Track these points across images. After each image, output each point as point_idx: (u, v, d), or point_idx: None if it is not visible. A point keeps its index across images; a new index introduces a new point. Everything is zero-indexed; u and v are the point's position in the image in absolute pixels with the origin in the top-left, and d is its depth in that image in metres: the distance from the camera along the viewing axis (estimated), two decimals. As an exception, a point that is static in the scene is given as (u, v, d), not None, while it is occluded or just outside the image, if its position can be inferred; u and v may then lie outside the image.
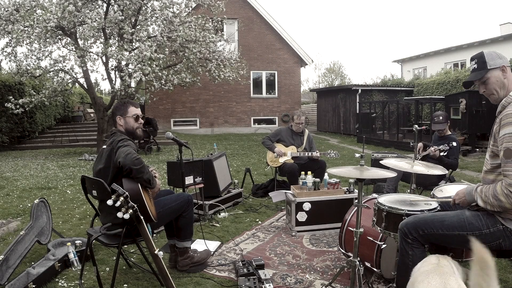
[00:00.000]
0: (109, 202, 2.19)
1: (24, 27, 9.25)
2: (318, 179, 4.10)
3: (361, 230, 2.44)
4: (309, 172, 4.14)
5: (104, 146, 2.73)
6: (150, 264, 2.83)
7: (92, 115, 17.36)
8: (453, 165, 4.29)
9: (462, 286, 1.72)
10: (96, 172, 2.68)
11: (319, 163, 5.13)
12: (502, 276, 2.84)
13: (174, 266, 3.07)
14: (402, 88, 16.20)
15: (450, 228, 2.09)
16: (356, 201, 2.47)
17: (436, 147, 4.23)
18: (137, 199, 2.44)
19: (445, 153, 4.17)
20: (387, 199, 2.59)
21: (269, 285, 2.67)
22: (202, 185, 4.32)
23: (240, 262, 2.99)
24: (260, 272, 2.83)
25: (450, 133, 4.56)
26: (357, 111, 14.95)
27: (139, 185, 2.51)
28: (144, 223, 2.32)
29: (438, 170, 2.61)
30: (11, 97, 9.87)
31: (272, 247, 3.55)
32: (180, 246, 3.01)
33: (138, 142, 10.46)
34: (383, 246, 2.68)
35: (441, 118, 4.45)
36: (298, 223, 3.87)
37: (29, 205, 5.04)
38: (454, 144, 4.25)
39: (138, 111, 2.89)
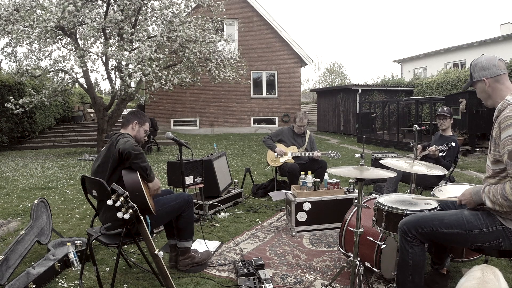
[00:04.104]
0: (109, 202, 2.19)
1: (24, 27, 9.25)
2: (318, 179, 4.10)
3: (361, 230, 2.44)
4: (309, 172, 4.14)
5: (104, 148, 2.77)
6: (150, 264, 2.83)
7: (92, 115, 17.36)
8: (446, 167, 4.24)
9: None
10: (95, 170, 2.71)
11: (320, 163, 5.12)
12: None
13: (174, 266, 3.07)
14: (402, 88, 16.20)
15: (449, 226, 2.09)
16: (356, 201, 2.48)
17: (436, 146, 4.22)
18: (136, 189, 2.46)
19: (444, 153, 4.16)
20: (387, 199, 2.59)
21: (269, 285, 2.67)
22: (202, 185, 4.32)
23: (240, 262, 2.99)
24: (260, 272, 2.83)
25: (451, 134, 4.55)
26: (357, 111, 14.95)
27: (138, 174, 2.54)
28: (144, 223, 2.32)
29: (438, 170, 2.61)
30: (11, 97, 9.87)
31: (272, 247, 3.55)
32: (181, 246, 3.01)
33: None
34: (383, 246, 2.68)
35: (445, 109, 4.45)
36: (298, 223, 3.87)
37: (29, 205, 5.04)
38: (453, 144, 4.23)
39: (148, 128, 3.04)
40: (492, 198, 1.98)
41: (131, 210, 2.23)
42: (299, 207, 3.86)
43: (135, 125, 2.90)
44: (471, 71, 2.18)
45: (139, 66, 8.81)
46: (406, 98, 14.15)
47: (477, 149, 9.92)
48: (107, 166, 2.61)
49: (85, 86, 10.75)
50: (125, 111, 12.51)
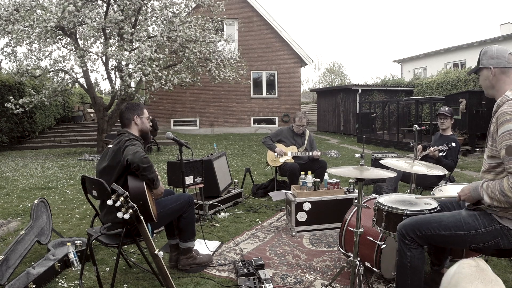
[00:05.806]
0: (109, 202, 2.19)
1: (24, 27, 9.25)
2: (318, 179, 4.10)
3: (361, 230, 2.44)
4: (309, 172, 4.14)
5: (110, 146, 2.74)
6: (150, 264, 2.83)
7: (92, 115, 17.36)
8: (450, 167, 4.21)
9: None
10: (100, 171, 2.69)
11: (320, 162, 5.12)
12: (502, 276, 2.84)
13: (174, 266, 3.07)
14: (402, 88, 16.19)
15: (447, 228, 2.08)
16: (356, 201, 2.48)
17: (435, 147, 4.21)
18: (141, 197, 2.46)
19: (444, 154, 4.15)
20: (387, 199, 2.59)
21: (269, 285, 2.67)
22: (202, 185, 4.32)
23: (240, 262, 2.99)
24: (260, 272, 2.83)
25: (451, 133, 4.55)
26: (357, 111, 14.95)
27: (144, 183, 2.53)
28: (144, 223, 2.32)
29: (438, 170, 2.61)
30: (11, 97, 9.87)
31: (272, 247, 3.55)
32: (183, 246, 3.02)
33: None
34: (383, 246, 2.68)
35: (446, 109, 4.44)
36: (298, 223, 3.87)
37: (29, 205, 5.04)
38: (453, 144, 4.22)
39: (147, 114, 3.01)
40: (490, 194, 1.97)
41: (131, 210, 2.23)
42: (299, 207, 3.87)
43: (137, 119, 2.87)
44: (479, 57, 2.16)
45: (139, 66, 8.82)
46: (406, 98, 14.15)
47: (477, 149, 9.92)
48: (114, 170, 2.59)
49: (85, 86, 10.75)
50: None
